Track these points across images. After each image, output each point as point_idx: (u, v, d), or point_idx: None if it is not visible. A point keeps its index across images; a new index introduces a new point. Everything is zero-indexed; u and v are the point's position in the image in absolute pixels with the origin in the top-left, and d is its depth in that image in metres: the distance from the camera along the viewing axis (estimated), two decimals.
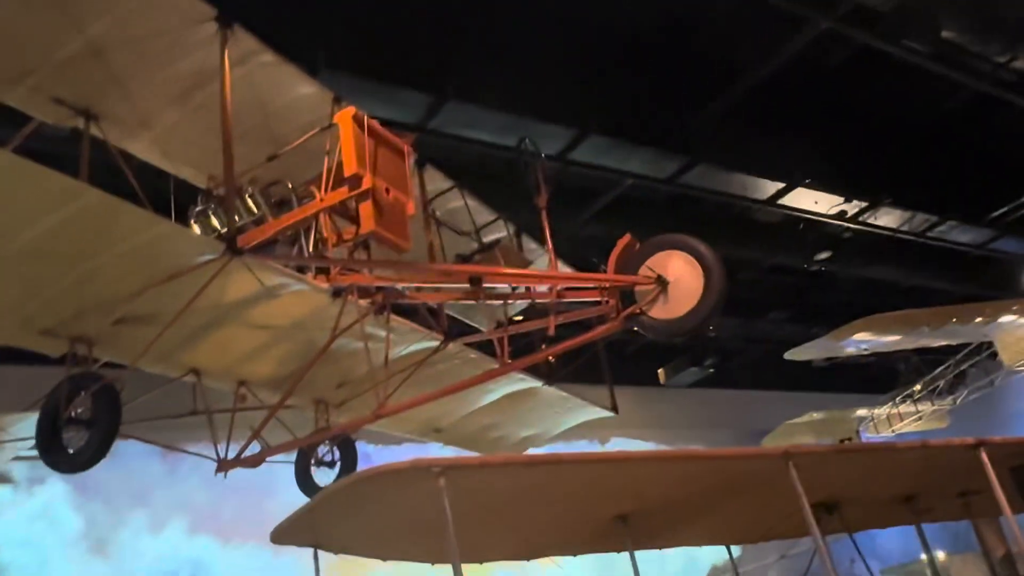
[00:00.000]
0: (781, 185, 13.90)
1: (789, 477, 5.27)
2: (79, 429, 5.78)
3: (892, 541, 14.01)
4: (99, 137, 6.53)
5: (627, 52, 11.33)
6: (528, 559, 6.21)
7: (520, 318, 7.91)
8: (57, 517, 12.79)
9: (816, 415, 19.08)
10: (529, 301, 7.05)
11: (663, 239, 5.74)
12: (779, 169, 13.79)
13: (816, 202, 14.56)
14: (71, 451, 5.83)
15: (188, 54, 6.12)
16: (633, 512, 5.56)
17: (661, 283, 5.53)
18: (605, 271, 5.86)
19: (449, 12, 9.95)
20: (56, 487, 12.86)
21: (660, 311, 5.49)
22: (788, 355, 15.80)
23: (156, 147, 6.81)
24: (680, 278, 5.50)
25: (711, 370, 19.90)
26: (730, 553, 7.74)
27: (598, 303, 5.88)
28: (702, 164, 12.74)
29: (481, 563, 5.61)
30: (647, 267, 5.58)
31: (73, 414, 5.81)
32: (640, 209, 13.59)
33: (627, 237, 5.80)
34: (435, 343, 7.55)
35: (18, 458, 11.55)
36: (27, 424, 8.98)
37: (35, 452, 10.41)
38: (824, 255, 16.28)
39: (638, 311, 5.52)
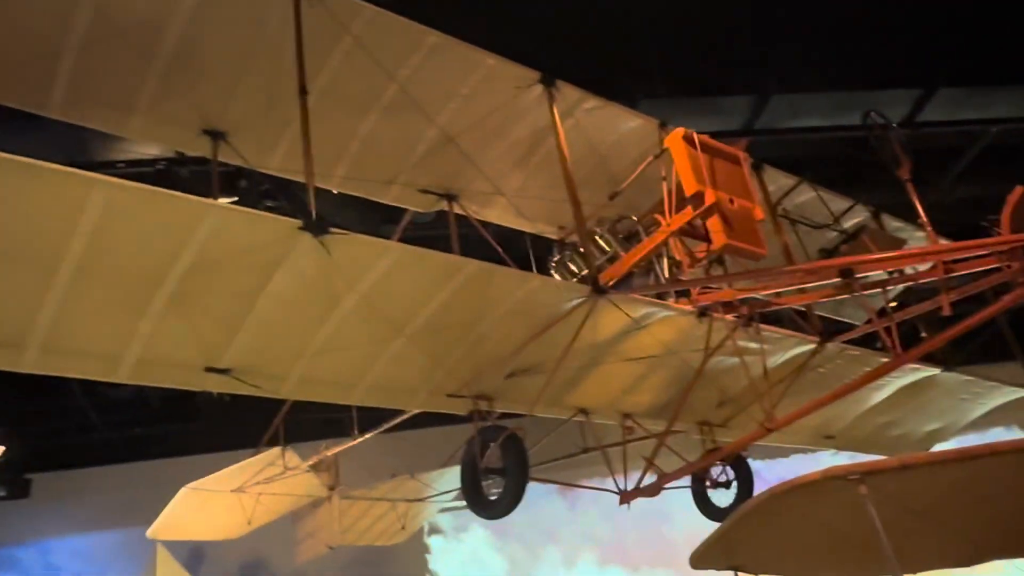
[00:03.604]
0: None
1: None
2: (495, 477, 6.30)
3: None
4: (461, 214, 7.26)
5: None
6: (970, 565, 5.56)
7: (894, 304, 7.26)
8: (483, 560, 14.08)
9: None
10: (909, 284, 6.44)
11: None
12: None
13: None
14: (492, 499, 6.36)
15: (522, 118, 6.60)
16: None
17: None
18: (998, 233, 5.18)
19: (745, 9, 9.62)
20: (478, 532, 14.19)
21: None
22: None
23: (509, 211, 7.37)
24: None
25: None
26: None
27: (998, 269, 5.20)
28: None
29: (916, 574, 5.12)
30: None
31: (488, 465, 6.35)
32: (1016, 157, 11.88)
33: (1020, 189, 5.08)
34: (812, 346, 7.18)
35: (444, 510, 12.96)
36: (449, 478, 10.06)
37: (457, 504, 11.56)
38: None
39: None
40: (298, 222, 4.55)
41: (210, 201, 4.45)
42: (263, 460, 9.27)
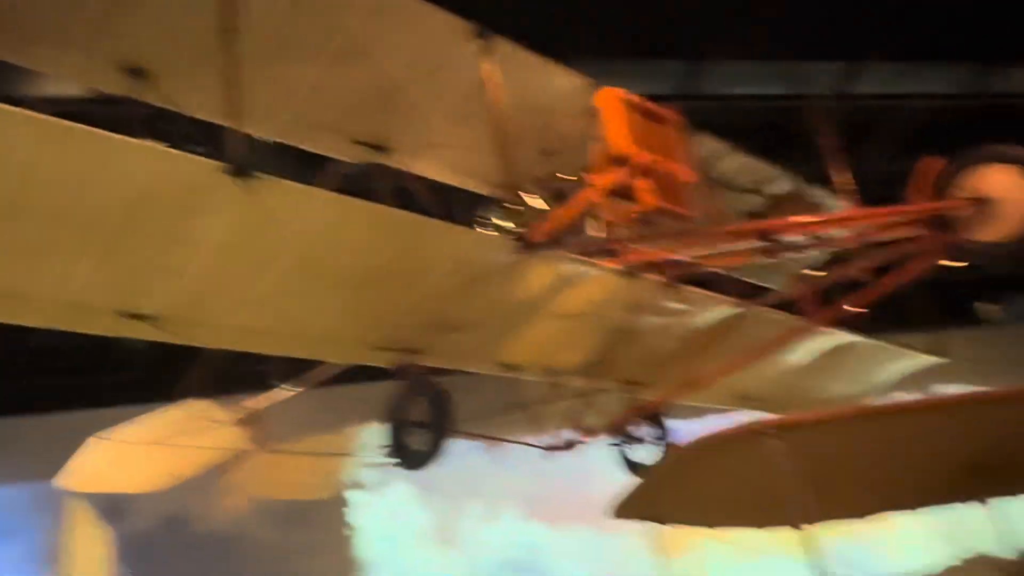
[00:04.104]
0: None
1: None
2: (420, 430, 6.35)
3: None
4: (393, 167, 7.19)
5: None
6: (870, 515, 5.86)
7: (814, 270, 7.50)
8: (407, 514, 14.19)
9: None
10: (829, 250, 6.65)
11: (976, 154, 5.16)
12: None
13: None
14: (415, 451, 6.41)
15: (457, 72, 6.54)
16: (989, 458, 5.03)
17: (982, 202, 4.96)
18: (912, 203, 5.38)
19: None
20: (401, 487, 14.26)
21: (987, 233, 4.92)
22: None
23: (442, 165, 7.32)
24: (1005, 193, 4.90)
25: None
26: None
27: (911, 238, 5.40)
28: (1001, 65, 11.25)
29: (822, 523, 5.36)
30: (962, 187, 5.03)
31: (413, 418, 6.38)
32: (938, 132, 12.28)
33: (933, 158, 5.28)
34: (734, 309, 7.38)
35: (369, 465, 12.98)
36: (374, 433, 10.05)
37: (381, 459, 11.56)
38: None
39: (961, 238, 4.99)
40: (221, 164, 4.44)
41: (130, 139, 4.30)
42: (186, 412, 9.11)
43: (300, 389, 9.11)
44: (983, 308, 17.83)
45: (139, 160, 4.31)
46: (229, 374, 9.76)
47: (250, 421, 9.56)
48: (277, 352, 6.41)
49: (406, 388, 6.35)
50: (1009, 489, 5.94)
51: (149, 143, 4.54)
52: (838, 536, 13.06)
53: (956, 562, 13.69)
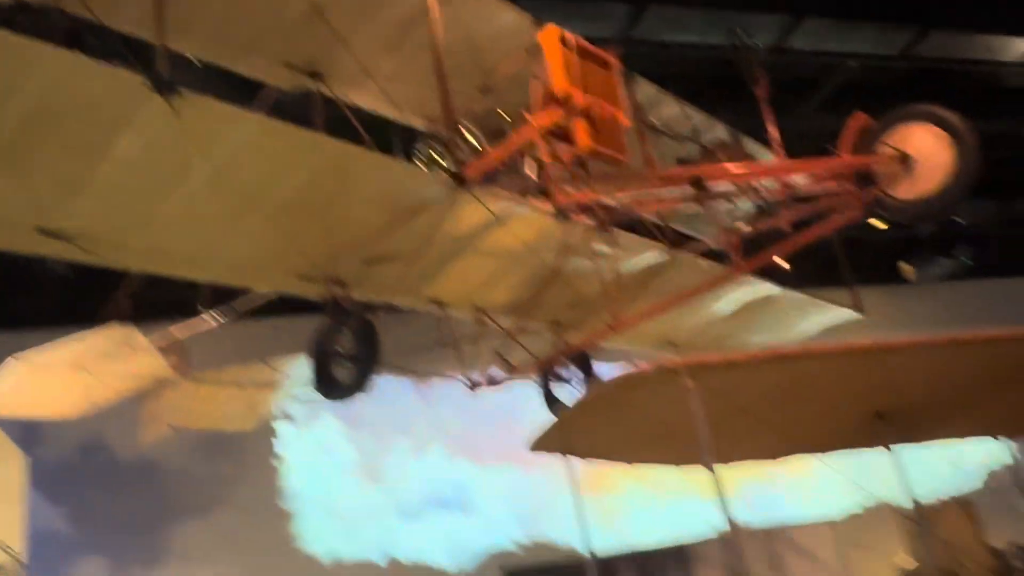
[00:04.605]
0: None
1: None
2: (346, 362, 6.34)
3: None
4: (327, 95, 7.03)
5: None
6: (778, 459, 6.11)
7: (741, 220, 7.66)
8: (333, 448, 14.25)
9: None
10: (757, 201, 6.78)
11: (901, 112, 5.29)
12: None
13: None
14: (341, 383, 6.42)
15: (397, 1, 6.39)
16: (893, 406, 5.28)
17: (904, 160, 5.11)
18: (839, 157, 5.51)
19: None
20: (328, 421, 14.29)
21: (907, 190, 5.08)
22: None
23: (378, 96, 7.19)
24: (926, 152, 5.05)
25: (964, 260, 18.12)
26: (1009, 451, 7.14)
27: (835, 192, 5.55)
28: (936, 31, 11.50)
29: (732, 464, 5.57)
30: (887, 145, 5.17)
31: (339, 350, 6.37)
32: (871, 92, 12.54)
33: (860, 115, 5.40)
34: (663, 255, 7.50)
35: (295, 398, 12.95)
36: (301, 366, 10.01)
37: (310, 393, 11.55)
38: None
39: (881, 193, 5.15)
40: (145, 79, 4.28)
41: (53, 47, 4.12)
42: (107, 337, 8.91)
43: (225, 318, 8.98)
44: (905, 268, 18.46)
45: (61, 70, 4.13)
46: (152, 300, 9.58)
47: (172, 349, 9.42)
48: (201, 278, 6.31)
49: (333, 320, 6.31)
50: (911, 437, 6.23)
51: (73, 53, 4.34)
52: (748, 478, 13.71)
53: (859, 509, 14.43)
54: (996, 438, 7.37)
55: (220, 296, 8.99)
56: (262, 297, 7.94)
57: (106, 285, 8.82)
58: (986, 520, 10.83)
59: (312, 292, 6.46)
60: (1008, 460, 7.29)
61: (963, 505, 10.91)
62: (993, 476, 15.29)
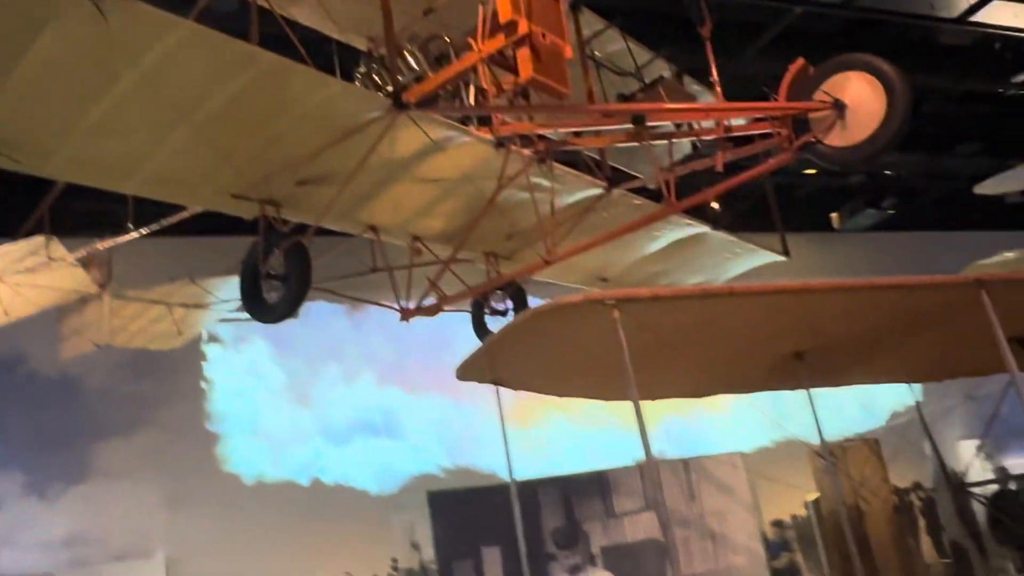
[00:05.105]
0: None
1: (982, 307, 4.98)
2: (276, 283, 6.27)
3: None
4: (265, 6, 6.76)
5: None
6: (700, 396, 6.30)
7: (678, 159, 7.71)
8: (263, 371, 14.16)
9: (1009, 255, 17.65)
10: (694, 140, 6.84)
11: (839, 60, 5.37)
12: None
13: (1016, 15, 13.02)
14: (271, 304, 6.35)
15: None
16: (811, 348, 5.48)
17: (838, 107, 5.20)
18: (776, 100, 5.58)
19: None
20: (258, 344, 14.17)
21: (838, 138, 5.19)
22: (978, 189, 14.65)
23: (318, 12, 6.97)
24: (859, 101, 5.15)
25: (891, 212, 18.70)
26: (914, 396, 7.49)
27: (770, 135, 5.63)
28: None
29: (655, 400, 5.73)
30: (823, 92, 5.25)
31: (270, 271, 6.29)
32: (812, 41, 12.66)
33: (800, 61, 5.46)
34: (599, 190, 7.54)
35: (224, 319, 12.77)
36: (231, 287, 9.85)
37: (238, 314, 11.37)
38: None
39: (813, 139, 5.24)
40: None
41: None
42: (24, 248, 8.58)
43: (153, 234, 8.75)
44: (835, 216, 18.98)
45: None
46: (77, 212, 9.26)
47: (95, 263, 9.14)
48: (128, 191, 6.10)
49: (264, 240, 6.21)
50: (827, 379, 6.48)
51: None
52: (668, 412, 14.15)
53: (771, 444, 15.05)
54: (906, 383, 7.73)
55: (148, 212, 8.73)
56: (191, 213, 7.74)
57: (28, 195, 8.47)
58: (890, 460, 11.39)
59: (244, 211, 6.33)
60: (913, 404, 7.67)
61: (869, 445, 11.43)
62: (898, 418, 16.07)
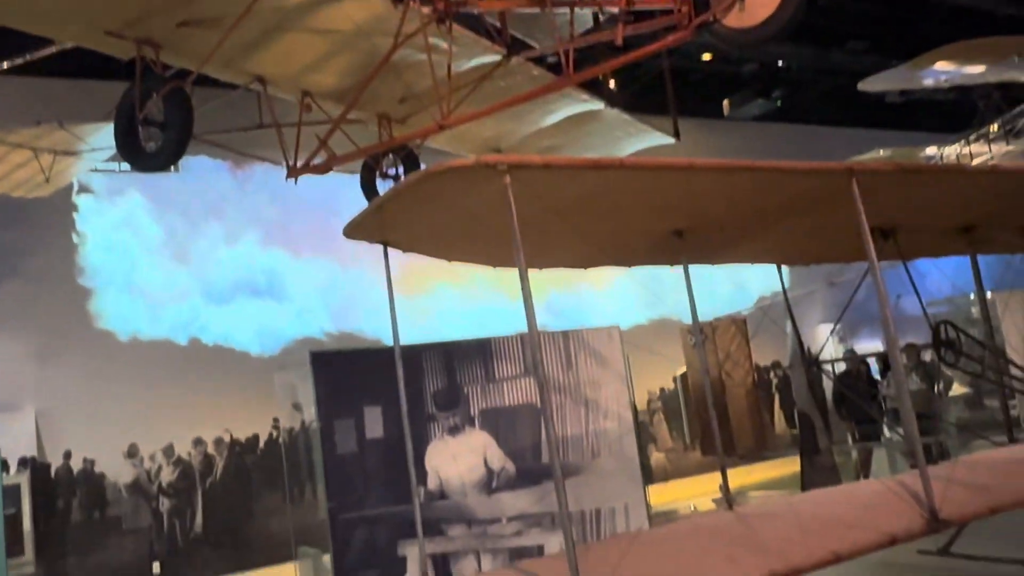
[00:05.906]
0: None
1: (851, 195, 5.24)
2: (154, 130, 5.97)
3: (942, 283, 14.15)
4: None
5: None
6: (585, 268, 6.48)
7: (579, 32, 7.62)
8: (139, 226, 13.58)
9: (883, 152, 18.57)
10: (595, 9, 6.75)
11: None
12: None
13: None
14: (149, 151, 6.06)
15: None
16: (691, 226, 5.65)
17: None
18: None
19: None
20: (135, 198, 13.54)
21: (736, 19, 5.25)
22: (862, 85, 15.12)
23: None
24: None
25: (778, 103, 19.22)
26: (781, 278, 7.90)
27: (670, 12, 5.63)
28: None
29: (540, 269, 5.85)
30: None
31: (148, 116, 5.97)
32: None
33: None
34: (498, 57, 7.41)
35: (96, 170, 12.10)
36: (104, 135, 9.30)
37: (112, 165, 10.76)
38: None
39: (711, 18, 5.28)
40: None
41: None
42: None
43: (12, 68, 8.10)
44: (726, 104, 19.35)
45: None
46: None
47: None
48: None
49: (142, 83, 5.87)
50: (704, 257, 6.74)
51: None
52: (552, 285, 14.51)
53: (646, 321, 15.76)
54: (776, 265, 8.14)
55: (10, 44, 8.03)
56: (59, 49, 7.17)
57: None
58: (754, 339, 12.14)
59: (119, 51, 5.94)
60: (779, 287, 8.15)
61: (737, 324, 12.14)
62: (765, 301, 17.04)
